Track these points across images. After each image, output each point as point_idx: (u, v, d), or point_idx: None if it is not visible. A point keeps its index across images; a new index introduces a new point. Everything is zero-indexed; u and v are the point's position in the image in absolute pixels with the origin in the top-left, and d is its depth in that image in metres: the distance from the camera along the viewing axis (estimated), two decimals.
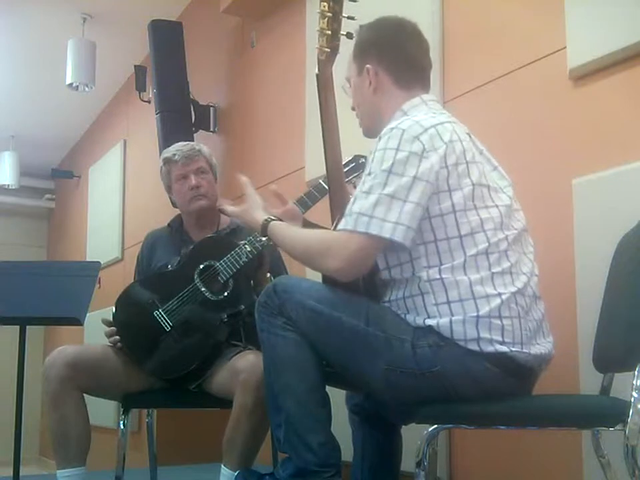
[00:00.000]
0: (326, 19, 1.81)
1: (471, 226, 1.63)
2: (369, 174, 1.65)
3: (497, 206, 1.67)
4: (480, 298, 1.59)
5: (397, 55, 1.84)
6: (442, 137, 1.66)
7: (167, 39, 4.26)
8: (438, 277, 1.62)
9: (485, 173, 1.69)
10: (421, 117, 1.70)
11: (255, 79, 3.99)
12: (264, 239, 2.32)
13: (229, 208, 2.09)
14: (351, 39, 1.86)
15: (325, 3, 1.81)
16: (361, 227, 1.60)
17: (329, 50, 1.84)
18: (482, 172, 1.68)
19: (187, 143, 2.72)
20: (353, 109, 1.93)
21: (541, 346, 1.66)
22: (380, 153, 1.65)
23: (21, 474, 2.39)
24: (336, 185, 2.01)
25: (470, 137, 1.75)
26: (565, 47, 2.13)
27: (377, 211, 1.60)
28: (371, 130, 1.86)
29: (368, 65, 1.83)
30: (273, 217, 1.91)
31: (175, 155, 2.59)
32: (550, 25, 2.21)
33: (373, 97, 1.84)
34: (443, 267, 1.62)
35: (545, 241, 1.86)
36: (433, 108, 1.79)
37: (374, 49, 1.84)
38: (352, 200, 1.66)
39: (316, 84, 1.92)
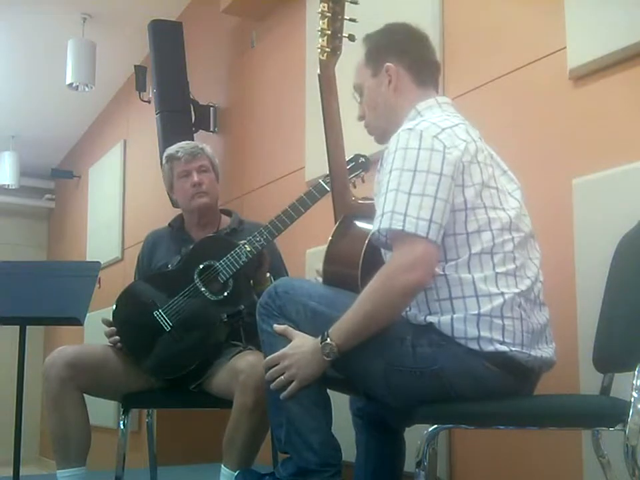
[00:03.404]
0: (326, 19, 1.82)
1: (479, 224, 1.63)
2: (390, 172, 1.63)
3: (504, 209, 1.67)
4: (483, 296, 1.59)
5: (415, 54, 1.85)
6: (458, 136, 1.66)
7: (167, 38, 4.26)
8: (442, 273, 1.62)
9: (495, 177, 1.70)
10: (437, 119, 1.71)
11: (255, 79, 3.99)
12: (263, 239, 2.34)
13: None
14: (353, 41, 1.86)
15: (325, 4, 1.82)
16: (397, 224, 1.57)
17: (329, 50, 1.84)
18: (491, 174, 1.69)
19: (190, 142, 2.73)
20: (361, 118, 1.91)
21: (542, 351, 1.66)
22: (401, 152, 1.63)
23: (20, 474, 2.39)
24: (339, 185, 2.00)
25: (481, 140, 1.75)
26: (564, 47, 2.13)
27: (410, 209, 1.57)
28: (388, 132, 1.79)
29: (388, 64, 1.82)
30: (324, 334, 1.67)
31: (178, 152, 2.59)
32: (550, 25, 2.21)
33: (392, 95, 1.83)
34: (447, 264, 1.62)
35: (545, 241, 1.86)
36: (447, 111, 1.79)
37: (393, 48, 1.84)
38: (380, 200, 1.63)
39: (318, 84, 1.92)
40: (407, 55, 1.83)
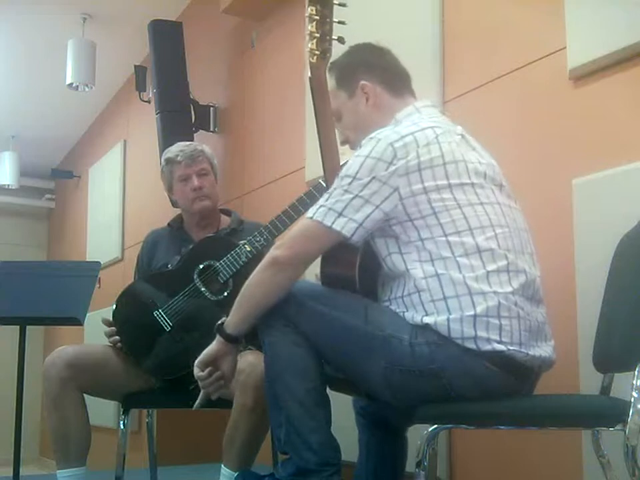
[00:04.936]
0: (314, 22, 1.82)
1: (455, 225, 1.64)
2: (338, 176, 1.71)
3: (482, 203, 1.67)
4: (476, 294, 1.59)
5: (384, 66, 1.89)
6: (418, 143, 1.67)
7: (167, 38, 4.26)
8: (434, 273, 1.62)
9: (470, 172, 1.69)
10: (404, 126, 1.73)
11: (255, 79, 3.99)
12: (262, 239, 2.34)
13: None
14: (343, 43, 1.86)
15: (313, 7, 1.82)
16: (319, 216, 1.69)
17: (319, 52, 1.84)
18: (466, 170, 1.68)
19: (190, 143, 2.73)
20: (344, 142, 1.94)
21: (541, 349, 1.66)
22: (353, 158, 1.71)
23: (20, 474, 2.39)
24: None
25: (463, 136, 1.75)
26: (565, 47, 2.13)
27: (336, 205, 1.67)
28: None
29: (363, 82, 1.85)
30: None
31: (177, 155, 2.59)
32: (550, 25, 2.21)
33: (373, 112, 1.86)
34: (435, 261, 1.63)
35: (545, 241, 1.86)
36: (423, 114, 1.80)
37: (362, 66, 1.88)
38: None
39: (310, 87, 1.92)
40: (377, 69, 1.87)
